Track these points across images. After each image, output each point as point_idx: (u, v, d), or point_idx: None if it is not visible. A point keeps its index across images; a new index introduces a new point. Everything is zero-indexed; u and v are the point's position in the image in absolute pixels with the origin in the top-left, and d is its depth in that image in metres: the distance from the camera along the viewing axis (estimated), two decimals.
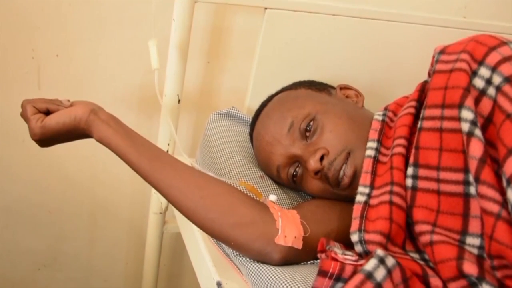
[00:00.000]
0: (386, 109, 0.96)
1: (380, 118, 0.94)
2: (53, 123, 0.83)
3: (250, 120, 1.13)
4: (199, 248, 0.97)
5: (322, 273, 0.73)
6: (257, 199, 0.88)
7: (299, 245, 0.83)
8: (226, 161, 1.03)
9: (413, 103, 0.88)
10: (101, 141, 0.85)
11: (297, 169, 0.95)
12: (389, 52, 1.30)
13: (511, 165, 0.65)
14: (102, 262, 1.65)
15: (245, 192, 0.90)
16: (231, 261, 0.92)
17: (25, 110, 0.82)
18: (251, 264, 0.84)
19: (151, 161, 0.84)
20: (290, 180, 0.97)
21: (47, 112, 0.86)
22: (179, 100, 1.18)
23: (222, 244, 0.93)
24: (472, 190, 0.72)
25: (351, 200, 0.87)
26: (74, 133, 0.86)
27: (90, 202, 1.51)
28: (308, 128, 0.93)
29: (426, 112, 0.79)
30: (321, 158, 0.90)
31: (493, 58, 0.73)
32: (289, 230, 0.82)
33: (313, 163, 0.89)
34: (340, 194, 0.93)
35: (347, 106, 0.99)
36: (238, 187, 0.90)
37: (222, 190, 0.86)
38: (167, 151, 1.24)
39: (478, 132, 0.70)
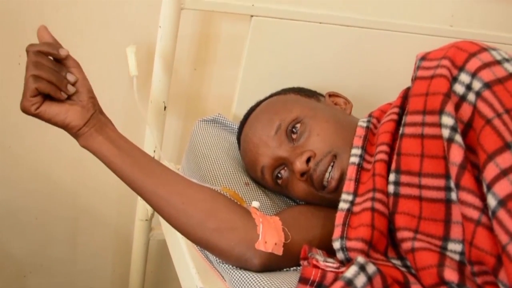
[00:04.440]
0: (370, 115, 0.96)
1: (365, 124, 0.94)
2: (45, 118, 0.80)
3: (236, 127, 1.13)
4: (183, 255, 0.97)
5: (303, 280, 0.73)
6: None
7: (279, 251, 0.83)
8: (212, 168, 1.03)
9: (396, 110, 0.88)
10: (85, 148, 0.84)
11: (282, 171, 0.95)
12: (376, 60, 1.31)
13: (490, 170, 0.65)
14: (88, 268, 1.64)
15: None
16: (215, 268, 0.91)
17: (28, 87, 0.77)
18: (234, 271, 0.84)
19: (134, 169, 0.84)
20: (275, 182, 0.97)
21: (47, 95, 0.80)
22: (165, 107, 1.18)
23: (205, 251, 0.93)
24: (454, 196, 0.72)
25: (335, 207, 0.86)
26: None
27: (76, 208, 1.50)
28: (295, 131, 0.93)
29: (407, 119, 0.80)
30: (308, 160, 0.90)
31: (473, 64, 0.73)
32: (269, 236, 0.82)
33: (299, 164, 0.89)
34: (326, 197, 0.93)
35: (335, 112, 0.99)
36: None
37: (204, 196, 0.85)
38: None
39: (458, 138, 0.71)
